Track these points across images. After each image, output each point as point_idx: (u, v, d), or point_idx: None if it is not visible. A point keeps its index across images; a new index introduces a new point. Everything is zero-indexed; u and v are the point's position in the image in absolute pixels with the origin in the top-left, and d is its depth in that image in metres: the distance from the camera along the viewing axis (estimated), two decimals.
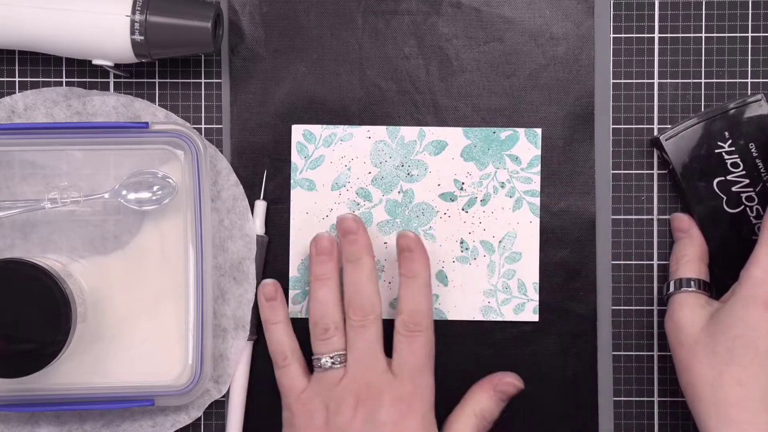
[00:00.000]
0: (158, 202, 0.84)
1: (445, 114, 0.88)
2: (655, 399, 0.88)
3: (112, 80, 0.88)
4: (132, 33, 0.80)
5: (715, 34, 0.88)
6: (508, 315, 0.88)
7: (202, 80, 0.89)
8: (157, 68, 0.88)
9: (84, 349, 0.84)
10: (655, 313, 0.88)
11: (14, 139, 0.82)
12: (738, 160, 0.86)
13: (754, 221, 0.86)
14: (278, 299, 0.86)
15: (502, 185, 0.88)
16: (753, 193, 0.85)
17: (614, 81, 0.89)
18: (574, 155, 0.88)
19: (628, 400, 0.88)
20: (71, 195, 0.84)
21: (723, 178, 0.86)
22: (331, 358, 0.82)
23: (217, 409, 0.88)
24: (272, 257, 0.88)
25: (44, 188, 0.84)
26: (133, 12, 0.80)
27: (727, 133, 0.86)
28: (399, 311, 0.83)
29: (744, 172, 0.86)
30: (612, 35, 0.89)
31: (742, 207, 0.86)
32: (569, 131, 0.88)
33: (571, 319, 0.88)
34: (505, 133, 0.88)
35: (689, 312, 0.81)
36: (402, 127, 0.88)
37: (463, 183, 0.88)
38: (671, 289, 0.84)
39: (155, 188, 0.84)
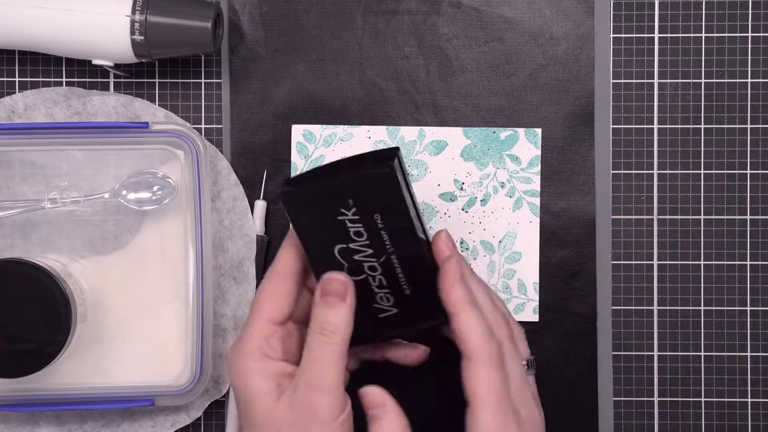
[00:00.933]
0: (158, 202, 0.84)
1: (445, 114, 0.88)
2: (655, 399, 0.89)
3: (112, 80, 0.88)
4: (132, 33, 0.80)
5: (715, 34, 0.88)
6: None
7: (202, 80, 0.89)
8: (157, 68, 0.88)
9: (84, 349, 0.84)
10: (655, 313, 0.88)
11: (14, 139, 0.82)
12: (362, 230, 0.73)
13: (376, 290, 0.75)
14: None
15: (502, 185, 0.88)
16: (376, 264, 0.74)
17: (614, 81, 0.89)
18: (574, 155, 0.88)
19: (628, 400, 0.88)
20: (71, 195, 0.84)
21: (345, 246, 0.74)
22: None
23: (217, 409, 0.88)
24: (272, 257, 0.88)
25: (44, 188, 0.84)
26: (133, 12, 0.80)
27: (350, 201, 0.72)
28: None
29: (368, 242, 0.74)
30: (612, 35, 0.89)
31: (364, 276, 0.75)
32: (569, 131, 0.88)
33: (571, 319, 0.88)
34: (505, 133, 0.88)
35: None
36: (402, 127, 0.88)
37: (463, 183, 0.88)
38: None
39: (155, 188, 0.84)
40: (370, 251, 0.73)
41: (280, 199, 0.75)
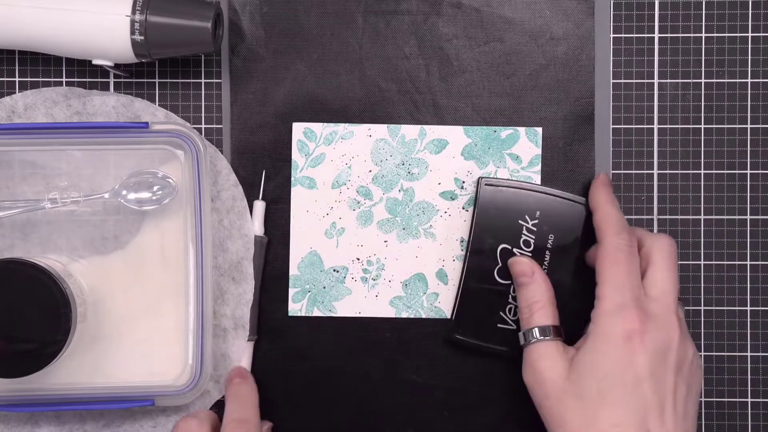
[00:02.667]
0: (158, 202, 0.84)
1: (445, 114, 0.88)
2: None
3: (112, 80, 0.88)
4: (132, 33, 0.80)
5: (715, 34, 0.88)
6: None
7: (202, 80, 0.89)
8: (157, 68, 0.88)
9: (84, 349, 0.84)
10: None
11: (14, 139, 0.82)
12: (531, 241, 0.87)
13: (510, 300, 0.87)
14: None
15: None
16: None
17: (614, 81, 0.89)
18: (574, 155, 0.88)
19: None
20: (71, 195, 0.84)
21: (509, 247, 0.87)
22: None
23: (218, 409, 0.88)
24: (272, 257, 0.88)
25: (44, 188, 0.84)
26: (133, 12, 0.80)
27: (538, 212, 0.87)
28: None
29: (530, 255, 0.87)
30: (612, 35, 0.89)
31: (510, 282, 0.87)
32: (569, 131, 0.88)
33: (571, 319, 0.88)
34: (505, 132, 0.88)
35: (550, 362, 0.79)
36: (403, 126, 0.88)
37: (463, 182, 0.88)
38: (528, 339, 0.82)
39: (155, 188, 0.84)
40: None
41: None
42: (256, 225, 0.87)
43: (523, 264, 0.84)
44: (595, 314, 0.78)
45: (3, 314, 0.76)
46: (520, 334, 0.82)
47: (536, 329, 0.81)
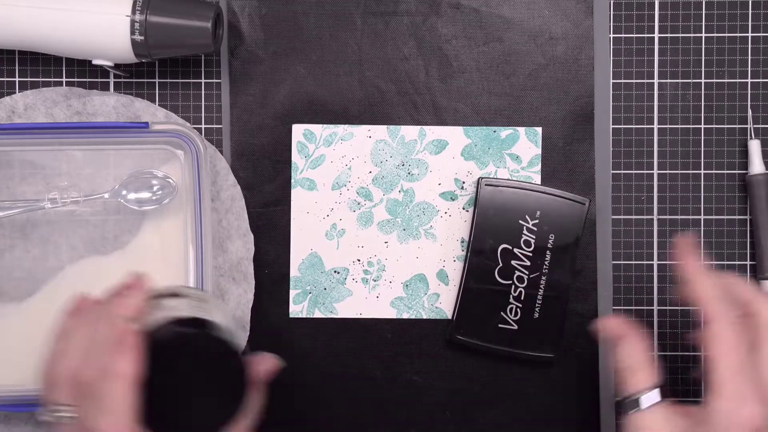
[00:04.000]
0: (158, 202, 0.84)
1: (444, 114, 0.88)
2: None
3: (112, 80, 0.88)
4: (132, 33, 0.80)
5: (715, 34, 0.88)
6: None
7: (202, 80, 0.89)
8: (157, 68, 0.88)
9: None
10: (655, 313, 0.88)
11: (14, 139, 0.82)
12: (532, 241, 0.87)
13: (512, 301, 0.87)
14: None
15: None
16: (526, 277, 0.87)
17: (614, 81, 0.89)
18: (574, 155, 0.88)
19: None
20: (71, 195, 0.84)
21: (509, 247, 0.87)
22: (56, 412, 0.72)
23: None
24: (273, 257, 0.88)
25: (44, 188, 0.84)
26: (133, 12, 0.80)
27: (538, 212, 0.87)
28: None
29: (531, 254, 0.87)
30: (612, 35, 0.89)
31: (510, 282, 0.87)
32: (569, 131, 0.88)
33: (571, 319, 0.88)
34: (505, 132, 0.88)
35: None
36: (402, 127, 0.88)
37: (463, 182, 0.88)
38: (633, 408, 0.73)
39: (155, 188, 0.84)
40: (528, 263, 0.86)
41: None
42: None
43: (613, 326, 0.75)
44: (711, 409, 0.71)
45: (181, 384, 0.71)
46: (622, 400, 0.74)
47: (640, 398, 0.73)
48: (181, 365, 0.69)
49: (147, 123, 0.81)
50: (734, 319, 0.72)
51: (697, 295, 0.73)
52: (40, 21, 0.80)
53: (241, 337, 0.86)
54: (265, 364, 0.77)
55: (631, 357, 0.73)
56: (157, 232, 0.85)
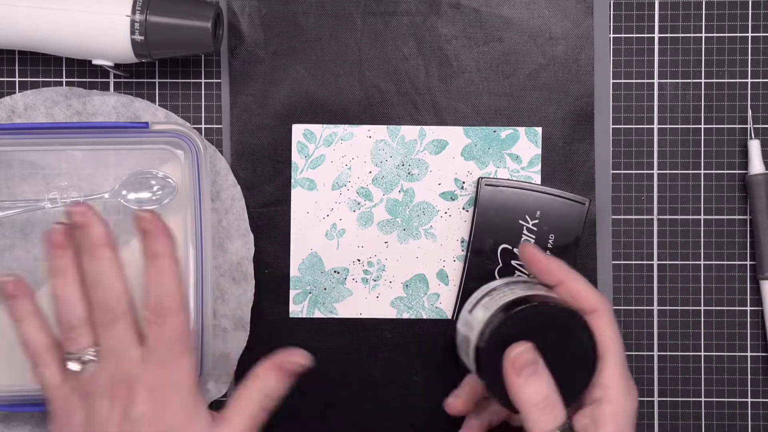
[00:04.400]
0: (158, 202, 0.84)
1: (444, 114, 0.88)
2: (655, 399, 0.89)
3: (112, 80, 0.88)
4: (132, 33, 0.80)
5: (715, 34, 0.88)
6: None
7: (202, 80, 0.89)
8: (157, 68, 0.88)
9: None
10: (655, 313, 0.88)
11: (14, 139, 0.82)
12: (532, 241, 0.87)
13: None
14: (19, 294, 0.77)
15: None
16: (526, 276, 0.86)
17: (614, 81, 0.89)
18: (574, 155, 0.88)
19: None
20: (71, 195, 0.84)
21: (509, 248, 0.87)
22: (80, 357, 0.74)
23: (218, 408, 0.88)
24: (273, 257, 0.88)
25: (44, 188, 0.84)
26: (133, 12, 0.80)
27: (538, 212, 0.87)
28: (145, 297, 0.74)
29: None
30: (612, 35, 0.89)
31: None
32: (569, 131, 0.88)
33: None
34: (505, 132, 0.88)
35: None
36: (402, 127, 0.88)
37: (463, 182, 0.88)
38: None
39: (155, 188, 0.84)
40: None
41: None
42: None
43: (520, 356, 0.72)
44: (604, 414, 0.72)
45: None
46: None
47: None
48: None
49: (147, 123, 0.81)
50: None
51: (576, 293, 0.75)
52: (40, 21, 0.80)
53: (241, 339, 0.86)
54: (297, 356, 0.78)
55: (541, 393, 0.71)
56: None
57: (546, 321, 0.71)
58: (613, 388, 0.72)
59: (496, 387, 0.71)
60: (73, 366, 0.74)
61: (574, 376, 0.71)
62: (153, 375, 0.73)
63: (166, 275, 0.74)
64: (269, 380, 0.77)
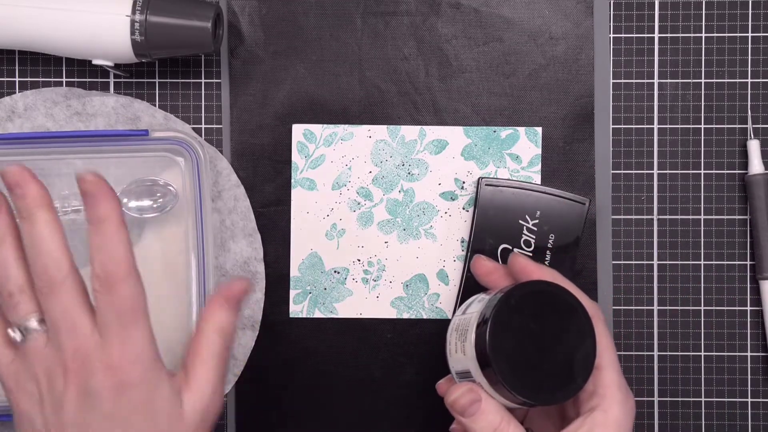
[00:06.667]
0: (159, 209, 0.84)
1: (445, 115, 0.88)
2: (656, 399, 0.89)
3: (112, 80, 0.88)
4: (132, 33, 0.80)
5: (715, 34, 0.88)
6: None
7: (202, 80, 0.89)
8: (157, 68, 0.88)
9: None
10: (656, 313, 0.88)
11: (14, 148, 0.81)
12: (532, 241, 0.87)
13: None
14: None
15: None
16: None
17: (614, 81, 0.89)
18: (574, 155, 0.88)
19: None
20: (72, 204, 0.84)
21: (509, 248, 0.87)
22: (22, 325, 0.70)
23: None
24: (273, 257, 0.88)
25: None
26: (133, 12, 0.80)
27: (538, 212, 0.87)
28: (91, 266, 0.69)
29: (531, 255, 0.87)
30: (612, 35, 0.89)
31: None
32: (569, 131, 0.88)
33: None
34: (505, 132, 0.88)
35: None
36: (402, 126, 0.88)
37: (463, 182, 0.88)
38: None
39: (156, 196, 0.84)
40: None
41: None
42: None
43: (460, 396, 0.73)
44: (599, 423, 0.72)
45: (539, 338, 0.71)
46: None
47: None
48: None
49: (147, 131, 0.81)
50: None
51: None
52: (40, 21, 0.80)
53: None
54: (238, 284, 0.76)
55: (491, 425, 0.72)
56: (159, 239, 0.85)
57: (545, 302, 0.71)
58: (609, 397, 0.72)
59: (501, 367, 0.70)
60: (16, 335, 0.70)
61: (576, 357, 0.71)
62: (107, 347, 0.68)
63: (112, 240, 0.69)
64: (219, 315, 0.74)
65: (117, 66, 0.84)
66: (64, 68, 0.88)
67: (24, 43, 0.82)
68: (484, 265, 0.80)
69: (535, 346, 0.70)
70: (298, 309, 0.88)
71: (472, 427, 0.72)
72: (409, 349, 0.89)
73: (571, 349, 0.71)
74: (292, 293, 0.88)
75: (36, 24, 0.80)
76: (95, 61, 0.82)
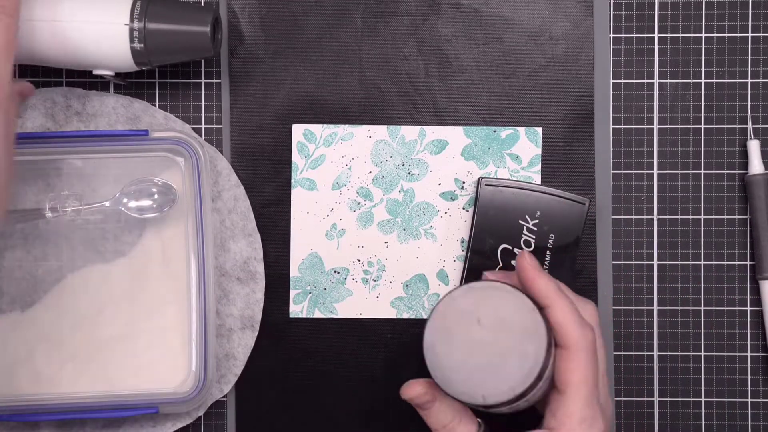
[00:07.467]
0: (159, 209, 0.84)
1: (444, 115, 0.88)
2: (655, 399, 0.89)
3: (111, 81, 0.88)
4: (131, 41, 0.79)
5: (715, 34, 0.88)
6: None
7: (202, 80, 0.88)
8: (157, 69, 0.88)
9: (87, 357, 0.84)
10: (655, 313, 0.89)
11: (14, 148, 0.81)
12: (532, 241, 0.87)
13: None
14: None
15: None
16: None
17: (614, 81, 0.88)
18: (574, 155, 0.88)
19: (628, 400, 0.89)
20: (72, 203, 0.84)
21: (509, 248, 0.87)
22: None
23: (218, 409, 0.89)
24: (273, 257, 0.88)
25: (45, 197, 0.84)
26: (132, 20, 0.79)
27: (538, 212, 0.86)
28: None
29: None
30: (612, 35, 0.88)
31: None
32: (569, 131, 0.88)
33: None
34: (505, 132, 0.88)
35: None
36: (402, 127, 0.88)
37: (463, 182, 0.88)
38: None
39: (156, 196, 0.84)
40: None
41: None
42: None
43: (413, 390, 0.77)
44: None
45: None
46: None
47: None
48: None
49: (147, 131, 0.81)
50: (592, 340, 0.73)
51: (556, 322, 0.72)
52: (38, 35, 0.79)
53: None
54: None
55: (440, 422, 0.75)
56: (159, 239, 0.85)
57: (496, 305, 0.71)
58: (566, 428, 0.71)
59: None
60: None
61: (518, 366, 0.70)
62: None
63: None
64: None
65: (118, 75, 0.84)
66: (63, 68, 0.88)
67: (23, 56, 0.81)
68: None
69: (479, 350, 0.70)
70: (298, 309, 0.89)
71: (428, 422, 0.77)
72: (409, 349, 0.89)
73: (517, 356, 0.70)
74: (292, 293, 0.89)
75: (34, 38, 0.79)
76: (96, 71, 0.82)
